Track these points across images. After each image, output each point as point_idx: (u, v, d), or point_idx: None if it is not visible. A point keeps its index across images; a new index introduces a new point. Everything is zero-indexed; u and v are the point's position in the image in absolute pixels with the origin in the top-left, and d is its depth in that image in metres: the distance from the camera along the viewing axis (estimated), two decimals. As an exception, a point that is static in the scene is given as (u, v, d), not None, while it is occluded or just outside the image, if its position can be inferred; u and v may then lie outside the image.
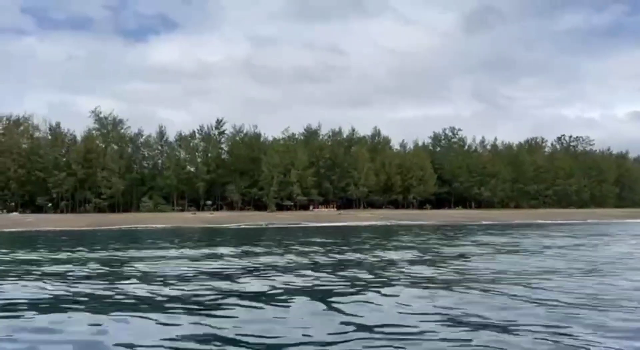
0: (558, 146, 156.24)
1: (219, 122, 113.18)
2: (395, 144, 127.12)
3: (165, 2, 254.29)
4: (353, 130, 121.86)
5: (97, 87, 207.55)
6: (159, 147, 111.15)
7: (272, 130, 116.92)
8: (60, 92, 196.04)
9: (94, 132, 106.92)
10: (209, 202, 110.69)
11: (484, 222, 64.74)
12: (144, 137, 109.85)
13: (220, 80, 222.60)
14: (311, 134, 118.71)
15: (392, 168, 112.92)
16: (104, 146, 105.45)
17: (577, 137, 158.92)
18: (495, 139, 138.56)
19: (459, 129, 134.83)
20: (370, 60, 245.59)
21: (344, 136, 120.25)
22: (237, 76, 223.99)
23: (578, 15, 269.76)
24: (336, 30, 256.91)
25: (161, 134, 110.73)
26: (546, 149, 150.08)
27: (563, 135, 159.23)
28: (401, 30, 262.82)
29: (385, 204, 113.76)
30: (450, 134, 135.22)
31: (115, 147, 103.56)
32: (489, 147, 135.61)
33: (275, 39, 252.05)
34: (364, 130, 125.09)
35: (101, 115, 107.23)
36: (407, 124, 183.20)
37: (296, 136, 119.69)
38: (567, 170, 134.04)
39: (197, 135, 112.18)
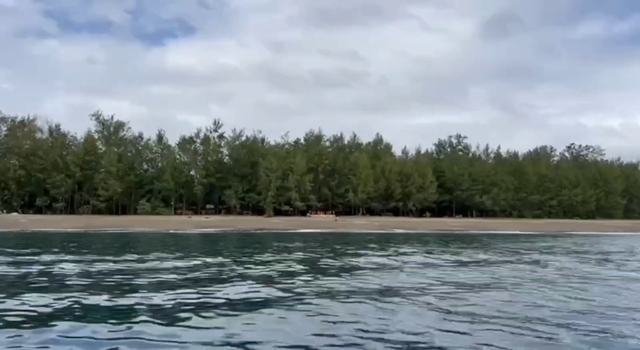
0: (568, 155, 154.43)
1: (217, 125, 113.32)
2: (397, 151, 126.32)
3: (183, 6, 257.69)
4: (354, 135, 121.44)
5: (117, 90, 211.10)
6: (159, 150, 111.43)
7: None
8: (80, 94, 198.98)
9: (95, 134, 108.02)
10: (211, 206, 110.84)
11: (473, 232, 63.76)
12: (144, 140, 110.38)
13: (239, 85, 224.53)
14: (312, 139, 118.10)
15: (391, 175, 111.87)
16: (103, 148, 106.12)
17: (587, 146, 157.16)
18: (499, 147, 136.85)
19: (464, 137, 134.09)
20: (389, 66, 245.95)
21: (345, 142, 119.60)
22: (255, 81, 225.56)
23: (598, 22, 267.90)
24: (355, 36, 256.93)
25: (160, 137, 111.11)
26: (555, 158, 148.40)
27: (573, 144, 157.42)
28: (420, 37, 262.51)
29: (384, 211, 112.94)
30: (455, 141, 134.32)
31: (115, 149, 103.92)
32: (492, 155, 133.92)
33: (293, 45, 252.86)
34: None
35: (102, 118, 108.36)
36: (424, 131, 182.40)
37: (299, 141, 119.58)
38: (572, 180, 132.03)
39: (196, 139, 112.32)
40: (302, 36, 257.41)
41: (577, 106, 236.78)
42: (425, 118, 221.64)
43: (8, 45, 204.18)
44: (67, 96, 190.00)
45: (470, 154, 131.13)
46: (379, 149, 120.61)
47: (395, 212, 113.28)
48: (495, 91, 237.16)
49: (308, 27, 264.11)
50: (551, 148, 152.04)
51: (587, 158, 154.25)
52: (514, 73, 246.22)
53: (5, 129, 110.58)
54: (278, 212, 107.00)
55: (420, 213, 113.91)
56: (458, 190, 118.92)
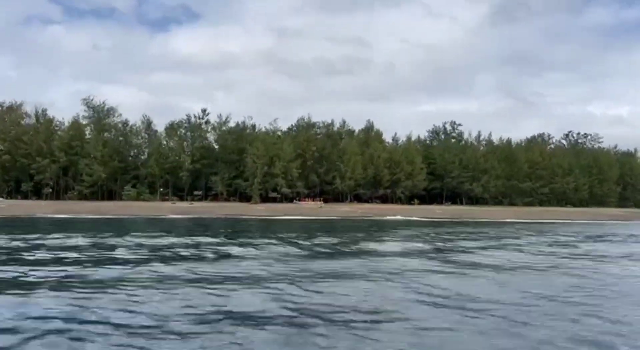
0: (565, 143, 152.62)
1: (204, 112, 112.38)
2: (388, 138, 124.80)
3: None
4: (344, 122, 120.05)
5: (122, 77, 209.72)
6: (146, 136, 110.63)
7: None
8: (85, 81, 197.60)
9: (85, 120, 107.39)
10: (199, 193, 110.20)
11: (455, 220, 63.26)
12: (129, 126, 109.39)
13: (242, 72, 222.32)
14: (302, 126, 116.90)
15: (380, 162, 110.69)
16: (89, 134, 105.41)
17: (585, 134, 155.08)
18: (490, 134, 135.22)
19: (459, 124, 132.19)
20: (394, 53, 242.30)
21: (335, 129, 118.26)
22: (259, 68, 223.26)
23: (607, 10, 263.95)
24: (359, 22, 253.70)
25: (147, 122, 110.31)
26: (551, 146, 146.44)
27: (570, 131, 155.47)
28: (426, 23, 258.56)
29: (373, 198, 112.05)
30: (449, 128, 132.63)
31: (99, 134, 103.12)
32: (483, 142, 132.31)
33: (298, 31, 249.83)
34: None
35: (92, 103, 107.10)
36: (429, 119, 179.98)
37: (292, 128, 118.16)
38: (565, 168, 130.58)
39: (184, 124, 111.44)
40: (306, 22, 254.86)
41: (585, 94, 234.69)
42: (431, 106, 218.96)
43: (13, 32, 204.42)
44: (73, 83, 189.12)
45: (463, 142, 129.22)
46: (370, 136, 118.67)
47: (384, 199, 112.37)
48: (502, 79, 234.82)
49: (312, 13, 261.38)
50: (548, 135, 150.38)
51: (584, 146, 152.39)
52: (522, 61, 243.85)
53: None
54: (266, 199, 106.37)
55: (410, 200, 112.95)
56: (448, 178, 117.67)
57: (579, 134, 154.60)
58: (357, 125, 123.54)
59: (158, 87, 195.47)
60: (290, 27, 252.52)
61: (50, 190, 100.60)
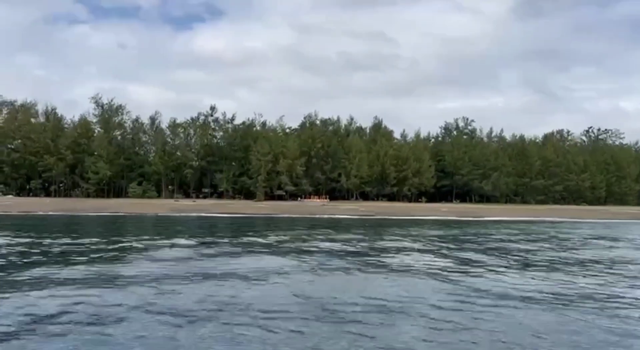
0: (585, 139, 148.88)
1: (212, 109, 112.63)
2: (397, 135, 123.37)
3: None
4: (351, 119, 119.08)
5: (146, 75, 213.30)
6: (152, 134, 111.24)
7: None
8: (111, 79, 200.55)
9: (94, 118, 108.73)
10: (206, 190, 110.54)
11: (452, 218, 61.61)
12: (137, 123, 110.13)
13: (265, 68, 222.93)
14: (308, 122, 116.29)
15: (386, 159, 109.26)
16: (96, 132, 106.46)
17: (605, 130, 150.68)
18: (502, 130, 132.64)
19: (472, 120, 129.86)
20: (418, 48, 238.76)
21: (342, 126, 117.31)
22: (282, 65, 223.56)
23: (635, 1, 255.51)
24: (382, 17, 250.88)
25: (152, 120, 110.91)
26: (569, 142, 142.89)
27: (591, 127, 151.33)
28: (451, 17, 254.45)
29: (380, 196, 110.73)
30: (462, 124, 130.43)
31: (105, 132, 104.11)
32: (495, 139, 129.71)
33: (320, 27, 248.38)
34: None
35: (101, 102, 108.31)
36: (455, 115, 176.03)
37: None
38: (580, 165, 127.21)
39: (190, 122, 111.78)
40: (328, 18, 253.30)
41: (615, 89, 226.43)
42: (455, 102, 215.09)
43: (41, 32, 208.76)
44: (98, 82, 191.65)
45: (475, 138, 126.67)
46: (380, 133, 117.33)
47: (391, 198, 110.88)
48: (528, 73, 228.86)
49: (333, 8, 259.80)
50: (567, 132, 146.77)
51: (605, 142, 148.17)
52: (548, 55, 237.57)
53: (5, 112, 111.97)
54: (272, 197, 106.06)
55: (417, 198, 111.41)
56: (458, 175, 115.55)
57: (599, 130, 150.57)
58: (356, 121, 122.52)
59: (182, 84, 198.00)
60: (312, 23, 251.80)
61: (57, 187, 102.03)
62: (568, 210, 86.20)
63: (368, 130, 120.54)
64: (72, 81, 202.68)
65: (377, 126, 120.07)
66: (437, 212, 71.78)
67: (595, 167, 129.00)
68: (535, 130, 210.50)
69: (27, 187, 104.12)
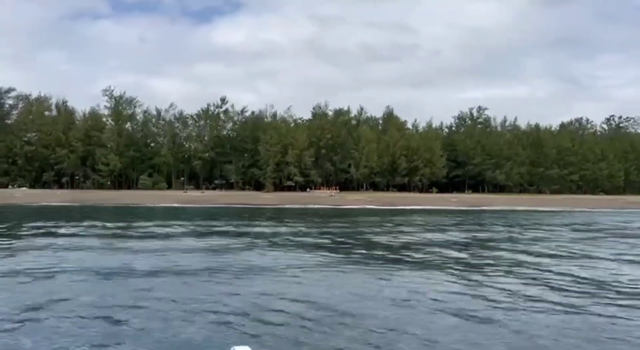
0: (606, 127, 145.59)
1: (223, 101, 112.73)
2: (409, 125, 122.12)
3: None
4: (361, 109, 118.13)
5: (167, 69, 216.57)
6: (162, 125, 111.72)
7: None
8: (133, 73, 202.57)
9: (106, 110, 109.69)
10: (217, 182, 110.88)
11: (452, 208, 60.93)
12: (147, 116, 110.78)
13: (285, 61, 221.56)
14: (317, 113, 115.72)
15: (397, 149, 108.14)
16: (108, 124, 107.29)
17: (627, 118, 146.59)
18: (515, 119, 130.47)
19: (485, 108, 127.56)
20: (441, 38, 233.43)
21: (352, 116, 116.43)
22: (302, 56, 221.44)
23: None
24: (403, 7, 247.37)
25: (159, 112, 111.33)
26: (589, 130, 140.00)
27: (612, 116, 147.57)
28: (472, 5, 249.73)
29: (390, 186, 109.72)
30: (476, 114, 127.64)
31: (115, 124, 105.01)
32: (509, 128, 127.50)
33: (339, 18, 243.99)
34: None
35: (113, 94, 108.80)
36: (478, 104, 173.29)
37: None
38: (597, 154, 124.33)
39: (200, 113, 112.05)
40: (347, 9, 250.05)
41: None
42: (478, 91, 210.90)
43: (64, 28, 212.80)
44: (121, 76, 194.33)
45: (489, 128, 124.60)
46: (391, 123, 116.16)
47: (402, 188, 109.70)
48: (552, 62, 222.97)
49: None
50: (587, 120, 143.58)
51: (627, 130, 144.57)
52: (573, 43, 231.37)
53: (20, 106, 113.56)
54: (281, 188, 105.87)
55: (429, 188, 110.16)
56: (470, 165, 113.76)
57: (620, 117, 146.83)
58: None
59: (202, 77, 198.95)
60: (331, 14, 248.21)
61: (70, 179, 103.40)
62: (574, 200, 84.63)
63: (381, 121, 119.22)
64: (95, 76, 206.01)
65: (389, 116, 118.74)
66: (447, 203, 71.11)
67: (614, 156, 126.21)
68: (559, 119, 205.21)
69: (41, 179, 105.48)
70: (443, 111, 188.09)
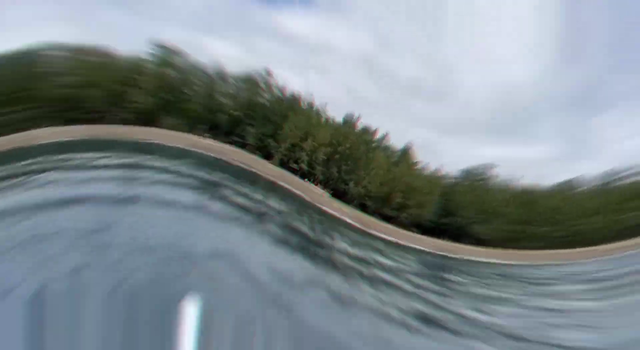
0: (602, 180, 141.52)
1: (267, 73, 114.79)
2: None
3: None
4: (386, 134, 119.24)
5: (227, 35, 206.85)
6: (201, 75, 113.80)
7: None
8: (189, 31, 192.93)
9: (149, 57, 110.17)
10: (235, 139, 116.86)
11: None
12: (187, 65, 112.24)
13: (338, 63, 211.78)
14: (348, 121, 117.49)
15: (396, 183, 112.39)
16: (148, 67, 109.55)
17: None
18: (517, 178, 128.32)
19: (492, 165, 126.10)
20: (477, 89, 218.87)
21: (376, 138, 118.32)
22: (355, 65, 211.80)
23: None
24: (460, 47, 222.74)
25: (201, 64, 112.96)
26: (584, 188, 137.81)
27: (612, 168, 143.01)
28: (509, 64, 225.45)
29: (376, 213, 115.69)
30: (480, 171, 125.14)
31: (152, 67, 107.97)
32: (507, 186, 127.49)
33: (399, 41, 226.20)
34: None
35: (159, 44, 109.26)
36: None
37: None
38: (589, 208, 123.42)
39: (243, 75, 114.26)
40: (408, 34, 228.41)
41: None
42: (492, 148, 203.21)
43: None
44: (184, 36, 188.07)
45: (489, 186, 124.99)
46: (406, 158, 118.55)
47: (387, 218, 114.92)
48: (564, 122, 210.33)
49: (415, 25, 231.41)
50: (582, 177, 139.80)
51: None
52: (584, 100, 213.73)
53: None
54: (288, 168, 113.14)
55: (412, 226, 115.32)
56: (457, 216, 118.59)
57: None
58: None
59: (257, 53, 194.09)
60: (393, 36, 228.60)
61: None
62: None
63: (398, 153, 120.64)
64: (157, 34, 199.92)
65: (406, 152, 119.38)
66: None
67: (610, 207, 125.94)
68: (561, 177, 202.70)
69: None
70: (454, 159, 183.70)
